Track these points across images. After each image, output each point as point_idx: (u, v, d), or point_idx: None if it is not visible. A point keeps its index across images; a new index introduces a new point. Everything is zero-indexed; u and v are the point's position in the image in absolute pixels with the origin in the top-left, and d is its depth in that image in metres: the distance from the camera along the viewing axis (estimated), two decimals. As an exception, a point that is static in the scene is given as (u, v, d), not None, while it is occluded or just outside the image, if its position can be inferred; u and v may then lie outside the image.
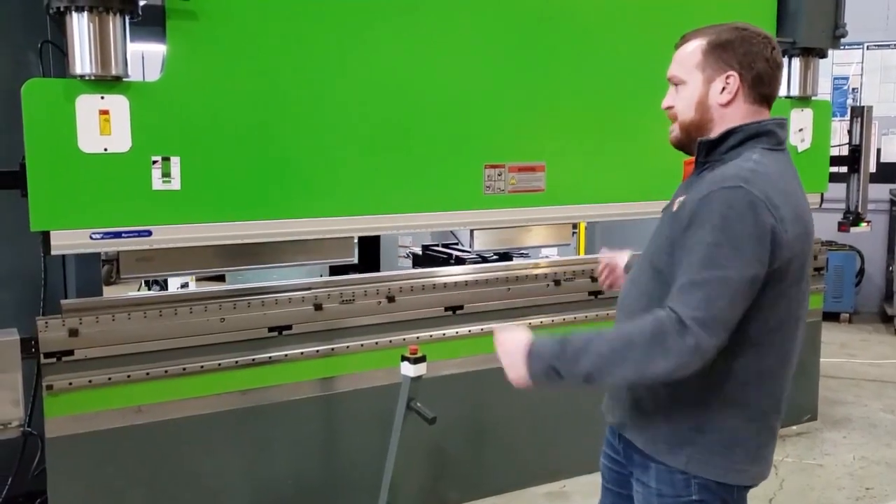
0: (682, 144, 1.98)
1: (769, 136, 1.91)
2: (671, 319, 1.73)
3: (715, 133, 1.91)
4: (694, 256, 1.76)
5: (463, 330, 3.75)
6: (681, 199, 1.90)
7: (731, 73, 1.88)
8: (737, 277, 1.73)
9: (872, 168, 5.10)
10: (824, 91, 7.46)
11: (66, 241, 2.79)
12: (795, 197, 1.87)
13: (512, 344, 1.88)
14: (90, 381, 2.99)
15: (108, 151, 2.81)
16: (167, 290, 5.82)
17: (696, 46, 1.91)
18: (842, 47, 4.73)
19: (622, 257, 2.43)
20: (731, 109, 1.90)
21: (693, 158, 1.97)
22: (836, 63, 7.80)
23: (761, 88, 1.91)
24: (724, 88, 1.89)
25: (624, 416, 2.04)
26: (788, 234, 1.79)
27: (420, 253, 5.65)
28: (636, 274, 2.05)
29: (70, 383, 2.96)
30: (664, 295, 1.81)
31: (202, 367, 3.18)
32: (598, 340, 1.80)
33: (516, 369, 1.86)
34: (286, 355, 3.34)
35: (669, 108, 1.99)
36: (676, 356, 1.72)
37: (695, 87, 1.91)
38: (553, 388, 1.85)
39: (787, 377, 1.95)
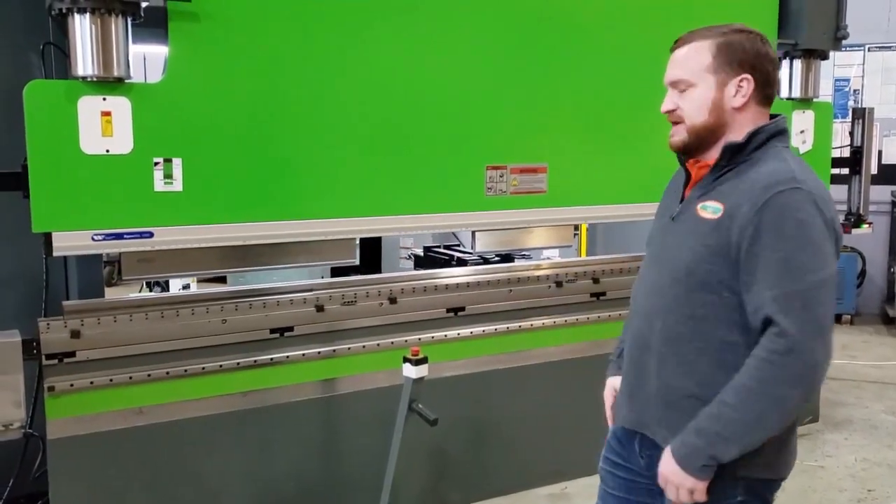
0: (689, 148, 1.96)
1: (784, 134, 1.96)
2: (780, 345, 1.73)
3: (733, 136, 1.91)
4: (779, 266, 1.75)
5: (465, 331, 3.75)
6: (711, 204, 1.88)
7: (745, 76, 1.89)
8: (827, 278, 1.76)
9: (874, 170, 5.10)
10: (826, 93, 7.45)
11: (67, 243, 2.79)
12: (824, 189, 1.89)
13: (671, 475, 1.86)
14: (92, 383, 2.99)
15: (109, 153, 2.81)
16: (169, 291, 5.82)
17: (702, 49, 1.91)
18: (843, 49, 4.73)
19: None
20: (743, 112, 1.92)
21: (703, 161, 1.96)
22: (837, 65, 7.80)
23: (767, 90, 1.94)
24: (737, 91, 1.90)
25: (656, 420, 1.98)
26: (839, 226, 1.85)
27: (422, 254, 5.65)
28: (655, 284, 2.00)
29: (71, 385, 2.96)
30: (710, 305, 1.84)
31: (203, 368, 3.18)
32: (728, 418, 1.78)
33: (679, 490, 1.85)
34: (288, 357, 3.34)
35: (671, 111, 1.97)
36: (803, 381, 1.76)
37: (706, 89, 1.90)
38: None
39: None
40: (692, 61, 1.91)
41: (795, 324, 1.73)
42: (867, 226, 4.82)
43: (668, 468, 1.86)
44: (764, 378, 1.75)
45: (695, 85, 1.91)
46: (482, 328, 3.79)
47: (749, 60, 1.89)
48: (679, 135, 1.96)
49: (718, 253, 1.84)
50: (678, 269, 1.92)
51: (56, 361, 2.94)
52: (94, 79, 2.75)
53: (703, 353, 1.89)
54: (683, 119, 1.94)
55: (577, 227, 6.01)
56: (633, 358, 2.08)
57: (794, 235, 1.76)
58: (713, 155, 1.94)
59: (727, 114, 1.91)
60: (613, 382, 2.24)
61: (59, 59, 3.02)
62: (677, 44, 1.97)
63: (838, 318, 7.56)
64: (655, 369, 1.97)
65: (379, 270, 6.47)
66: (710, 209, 1.88)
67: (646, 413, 2.02)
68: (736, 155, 1.90)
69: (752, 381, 1.76)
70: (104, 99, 2.77)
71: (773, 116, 1.98)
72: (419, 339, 3.58)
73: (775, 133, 1.93)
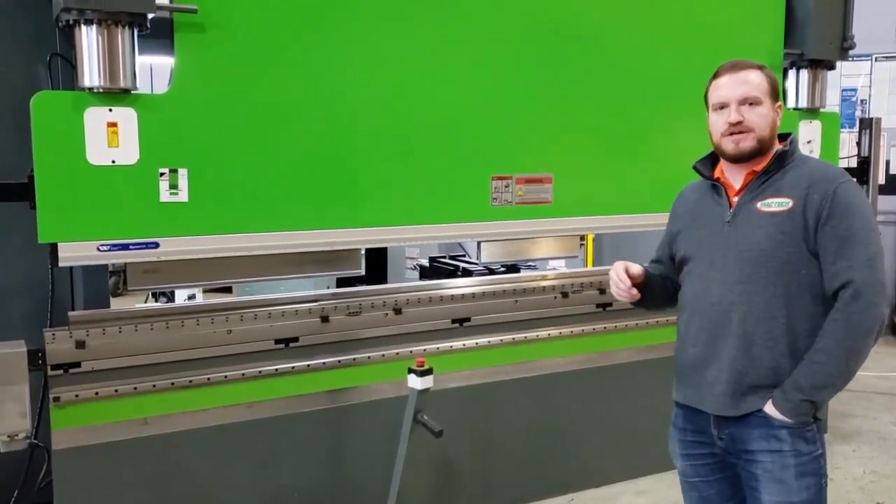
0: (754, 153, 2.30)
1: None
2: (857, 305, 2.13)
3: (775, 146, 2.32)
4: (849, 240, 2.16)
5: (470, 342, 3.74)
6: (777, 199, 2.25)
7: (779, 103, 2.36)
8: (881, 248, 2.22)
9: (881, 179, 5.08)
10: (833, 103, 7.45)
11: (73, 253, 2.80)
12: None
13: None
14: (97, 393, 2.99)
15: (115, 163, 2.82)
16: (174, 301, 5.83)
17: (762, 76, 2.31)
18: (850, 59, 4.72)
19: (635, 266, 2.46)
20: (776, 130, 2.35)
21: (750, 168, 2.31)
22: (844, 75, 7.79)
23: None
24: (778, 114, 2.34)
25: (754, 395, 2.25)
26: None
27: (427, 265, 5.64)
28: (728, 277, 2.28)
29: (77, 395, 2.96)
30: (794, 283, 2.20)
31: (209, 379, 3.18)
32: (821, 371, 2.18)
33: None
34: (293, 367, 3.34)
35: (740, 121, 2.29)
36: (872, 328, 2.16)
37: (768, 109, 2.30)
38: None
39: None
40: (759, 84, 2.30)
41: (864, 280, 2.14)
42: (875, 236, 4.80)
43: (774, 416, 2.23)
44: (847, 332, 2.15)
45: (762, 103, 2.29)
46: (488, 339, 3.78)
47: (778, 91, 2.36)
48: (749, 142, 2.28)
49: (795, 237, 2.21)
50: (755, 258, 2.25)
51: (61, 372, 2.95)
52: (101, 90, 2.76)
53: (791, 325, 2.22)
54: (752, 129, 2.28)
55: (582, 238, 6.01)
56: (705, 353, 2.33)
57: (856, 216, 2.18)
58: (761, 162, 2.31)
59: (775, 130, 2.33)
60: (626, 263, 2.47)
61: (66, 70, 3.04)
62: (736, 67, 2.32)
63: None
64: (740, 351, 2.26)
65: (385, 281, 6.47)
66: (775, 204, 2.25)
67: (730, 395, 2.28)
68: (785, 159, 2.30)
69: (836, 341, 2.15)
70: (110, 110, 2.78)
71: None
72: (424, 349, 3.57)
73: (795, 141, 2.38)
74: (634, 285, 2.39)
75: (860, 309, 2.13)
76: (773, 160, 2.29)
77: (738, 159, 2.30)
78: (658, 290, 2.50)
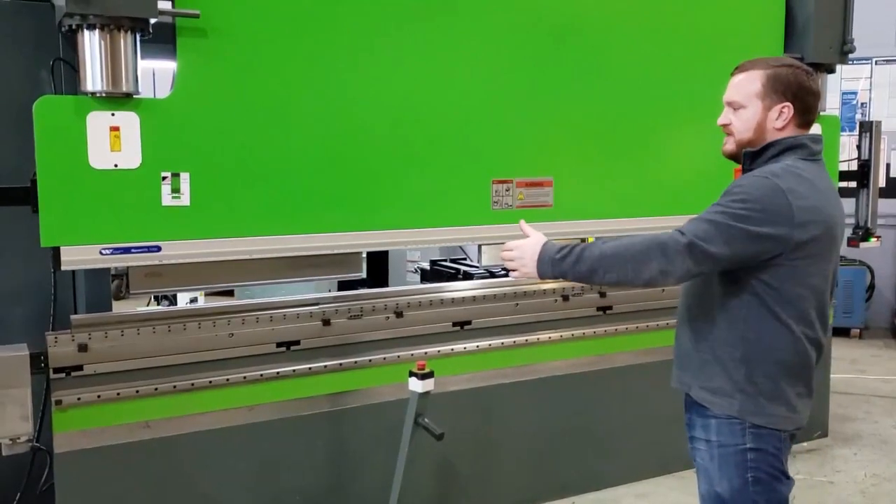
0: (734, 156, 2.37)
1: (802, 147, 2.29)
2: (670, 235, 2.18)
3: (757, 146, 2.30)
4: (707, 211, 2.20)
5: (471, 345, 3.75)
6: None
7: (786, 104, 2.27)
8: (719, 222, 2.16)
9: (882, 183, 5.08)
10: (833, 106, 7.45)
11: (75, 257, 2.81)
12: (824, 195, 2.25)
13: (525, 246, 2.34)
14: (99, 397, 3.00)
15: (118, 168, 2.83)
16: (176, 305, 5.84)
17: (754, 77, 2.28)
18: (850, 62, 4.73)
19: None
20: (782, 132, 2.29)
21: (740, 167, 2.35)
22: (844, 78, 7.79)
23: (807, 116, 2.32)
24: (779, 116, 2.27)
25: (690, 377, 2.37)
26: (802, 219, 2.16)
27: (428, 268, 5.65)
28: None
29: (79, 398, 2.97)
30: (706, 276, 2.26)
31: (210, 382, 3.19)
32: (603, 246, 2.24)
33: (524, 266, 2.33)
34: (294, 371, 3.34)
35: (726, 125, 2.35)
36: (665, 254, 2.17)
37: (754, 112, 2.28)
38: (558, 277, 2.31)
39: None
40: (745, 87, 2.30)
41: (685, 230, 2.17)
42: (875, 239, 4.80)
43: (527, 245, 2.35)
44: (646, 241, 2.20)
45: (745, 107, 2.30)
46: (488, 342, 3.78)
47: (792, 90, 2.27)
48: (728, 144, 2.36)
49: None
50: None
51: (63, 375, 2.95)
52: (103, 94, 2.77)
53: (691, 305, 2.37)
54: (733, 133, 2.33)
55: (583, 241, 6.01)
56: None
57: (720, 201, 2.19)
58: None
59: (769, 133, 2.29)
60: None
61: (68, 74, 3.05)
62: (737, 70, 2.35)
63: (847, 332, 7.53)
64: (679, 335, 2.45)
65: (386, 284, 6.47)
66: None
67: (685, 376, 2.42)
68: (754, 160, 2.30)
69: (639, 238, 2.22)
70: (113, 114, 2.79)
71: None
72: (425, 353, 3.57)
73: (792, 146, 2.28)
74: None
75: (667, 238, 2.17)
76: (743, 160, 2.33)
77: (729, 159, 2.39)
78: None
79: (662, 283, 2.22)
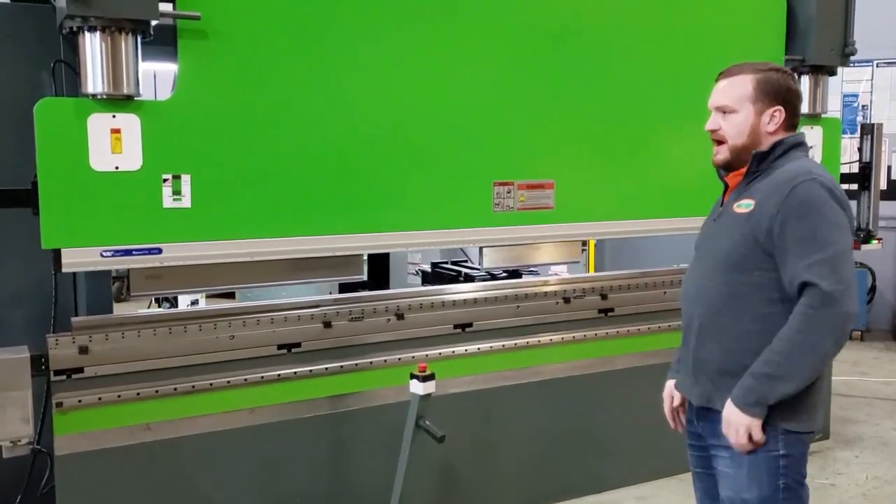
0: (728, 163, 2.35)
1: (802, 146, 2.37)
2: (815, 299, 2.11)
3: (764, 147, 2.31)
4: (807, 241, 2.15)
5: (472, 348, 3.74)
6: (745, 202, 2.27)
7: (778, 107, 2.30)
8: (845, 247, 2.19)
9: (883, 185, 5.07)
10: (834, 108, 7.45)
11: (76, 259, 2.80)
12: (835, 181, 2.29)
13: (730, 419, 2.24)
14: (100, 399, 3.00)
15: (119, 170, 2.83)
16: (177, 307, 5.83)
17: (745, 81, 2.30)
18: (851, 65, 4.72)
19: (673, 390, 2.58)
20: (773, 135, 2.32)
21: (736, 173, 2.35)
22: (845, 80, 7.79)
23: (794, 119, 2.37)
24: (771, 119, 2.30)
25: (710, 388, 2.33)
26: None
27: (429, 270, 5.64)
28: (699, 273, 2.39)
29: (79, 401, 2.97)
30: (743, 284, 2.24)
31: (211, 384, 3.18)
32: (775, 362, 2.16)
33: (740, 429, 2.21)
34: (295, 373, 3.34)
35: (714, 131, 2.34)
36: (835, 329, 2.13)
37: (746, 115, 2.29)
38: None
39: None
40: (735, 91, 2.30)
41: (827, 282, 2.11)
42: (876, 242, 4.80)
43: (728, 411, 2.23)
44: (803, 328, 2.13)
45: (736, 111, 2.30)
46: (490, 344, 3.78)
47: (782, 94, 2.31)
48: (722, 153, 2.34)
49: (749, 238, 2.24)
50: (718, 257, 2.32)
51: (64, 377, 2.95)
52: (104, 96, 2.77)
53: (738, 323, 2.27)
54: (725, 139, 2.32)
55: (584, 243, 6.01)
56: (683, 342, 2.47)
57: (814, 215, 2.16)
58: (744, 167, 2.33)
59: (761, 136, 2.31)
60: (671, 386, 2.57)
61: (69, 76, 3.05)
62: (723, 75, 2.35)
63: (849, 335, 7.50)
64: (698, 343, 2.36)
65: (387, 286, 6.47)
66: (743, 205, 2.28)
67: (699, 387, 2.37)
68: (763, 161, 2.30)
69: (794, 331, 2.14)
70: (114, 116, 2.79)
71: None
72: (426, 355, 3.57)
73: (795, 144, 2.34)
74: None
75: (818, 305, 2.11)
76: (750, 162, 2.31)
77: (719, 168, 2.38)
78: None
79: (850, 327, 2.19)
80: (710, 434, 2.38)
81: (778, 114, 2.30)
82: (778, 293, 2.22)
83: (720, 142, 2.34)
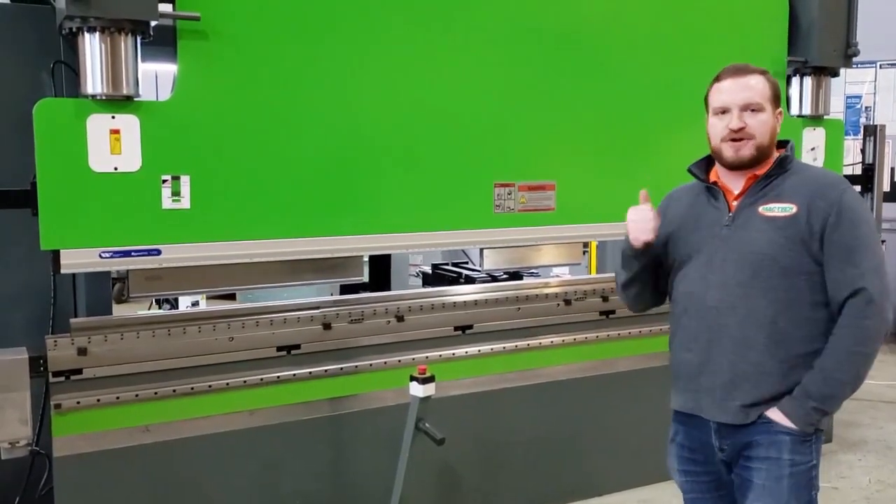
0: (754, 161, 2.28)
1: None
2: (871, 310, 2.14)
3: (773, 152, 2.30)
4: (858, 247, 2.17)
5: (472, 350, 3.73)
6: (780, 205, 2.23)
7: (780, 109, 2.32)
8: (883, 256, 2.24)
9: (886, 187, 5.06)
10: (837, 110, 7.43)
11: (75, 260, 2.80)
12: None
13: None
14: (98, 400, 2.99)
15: (118, 171, 2.82)
16: (178, 308, 5.83)
17: (765, 81, 2.28)
18: (854, 66, 4.71)
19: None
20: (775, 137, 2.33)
21: (751, 172, 2.29)
22: (848, 82, 7.78)
23: None
24: (778, 120, 2.31)
25: (747, 406, 2.24)
26: None
27: (430, 272, 5.64)
28: (728, 280, 2.26)
29: (78, 402, 2.96)
30: (794, 288, 2.19)
31: (210, 386, 3.17)
32: (832, 378, 2.17)
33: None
34: (294, 375, 3.33)
35: (742, 128, 2.25)
36: (881, 337, 2.18)
37: (769, 116, 2.28)
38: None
39: None
40: (762, 90, 2.27)
41: (877, 291, 2.14)
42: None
43: (781, 422, 2.20)
44: (861, 340, 2.16)
45: (764, 110, 2.27)
46: (490, 346, 3.77)
47: (780, 97, 2.33)
48: (748, 149, 2.26)
49: (797, 242, 2.19)
50: (755, 262, 2.23)
51: (63, 379, 2.94)
52: (104, 97, 2.77)
53: (789, 330, 2.21)
54: (753, 136, 2.25)
55: (586, 245, 6.00)
56: (701, 358, 2.32)
57: (863, 223, 2.21)
58: (763, 167, 2.29)
59: (774, 137, 2.31)
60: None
61: (69, 77, 3.04)
62: (741, 71, 2.29)
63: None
64: (738, 356, 2.24)
65: (388, 288, 6.47)
66: (777, 209, 2.23)
67: (729, 401, 2.26)
68: (785, 165, 2.29)
69: (854, 344, 2.15)
70: (113, 117, 2.79)
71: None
72: (426, 357, 3.56)
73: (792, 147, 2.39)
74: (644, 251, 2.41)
75: (872, 314, 2.14)
76: (775, 165, 2.28)
77: (736, 166, 2.29)
78: (650, 271, 2.50)
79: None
80: (745, 446, 2.27)
81: (780, 116, 2.32)
82: (821, 296, 2.21)
83: (742, 139, 2.25)
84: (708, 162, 2.41)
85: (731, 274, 2.26)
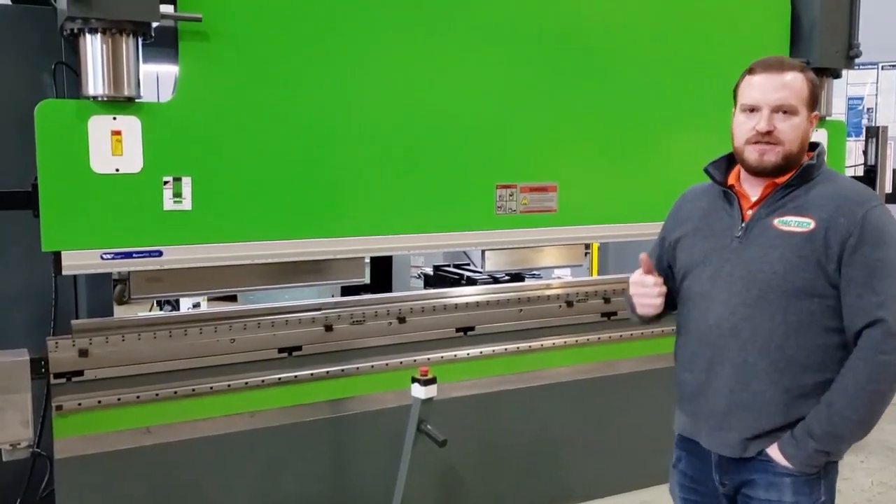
0: (778, 169, 2.04)
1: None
2: (889, 345, 1.90)
3: (802, 159, 2.06)
4: (881, 272, 1.93)
5: (474, 351, 3.72)
6: (797, 219, 2.00)
7: (816, 112, 2.06)
8: None
9: (888, 189, 5.05)
10: (839, 111, 7.42)
11: (76, 262, 2.79)
12: None
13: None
14: (99, 402, 2.99)
15: (119, 172, 2.82)
16: (179, 309, 5.83)
17: (803, 80, 2.02)
18: (856, 67, 4.70)
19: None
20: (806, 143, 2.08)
21: (770, 180, 2.06)
22: (850, 83, 7.76)
23: None
24: (811, 125, 2.06)
25: (747, 439, 2.06)
26: None
27: (432, 273, 5.64)
28: (734, 298, 2.05)
29: (79, 404, 2.96)
30: (806, 312, 1.97)
31: (211, 388, 3.17)
32: (840, 417, 1.94)
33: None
34: (296, 377, 3.33)
35: (770, 132, 2.02)
36: None
37: (802, 120, 2.02)
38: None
39: None
40: (798, 90, 2.02)
41: (894, 321, 1.90)
42: (882, 245, 4.77)
43: (779, 461, 2.02)
44: (874, 375, 1.91)
45: (798, 113, 2.02)
46: (492, 348, 3.76)
47: (817, 99, 2.06)
48: (774, 156, 2.03)
49: (812, 262, 1.97)
50: (764, 281, 2.01)
51: (64, 380, 2.94)
52: (105, 98, 2.77)
53: (798, 357, 2.00)
54: (782, 142, 2.01)
55: (587, 247, 5.99)
56: (700, 380, 2.13)
57: (889, 245, 1.95)
58: (784, 174, 2.05)
59: (805, 143, 2.06)
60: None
61: (70, 78, 3.04)
62: (777, 66, 2.03)
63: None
64: (739, 383, 2.04)
65: (389, 289, 6.46)
66: (795, 223, 2.00)
67: (727, 432, 2.08)
68: (809, 175, 2.04)
69: (867, 382, 1.92)
70: (114, 118, 2.78)
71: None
72: (428, 358, 3.56)
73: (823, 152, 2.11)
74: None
75: (890, 349, 1.90)
76: (796, 174, 2.04)
77: (758, 173, 2.06)
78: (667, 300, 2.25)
79: None
80: (743, 484, 2.11)
81: (815, 120, 2.07)
82: (834, 322, 1.99)
83: (768, 143, 2.02)
84: (728, 161, 2.17)
85: (737, 292, 2.05)
